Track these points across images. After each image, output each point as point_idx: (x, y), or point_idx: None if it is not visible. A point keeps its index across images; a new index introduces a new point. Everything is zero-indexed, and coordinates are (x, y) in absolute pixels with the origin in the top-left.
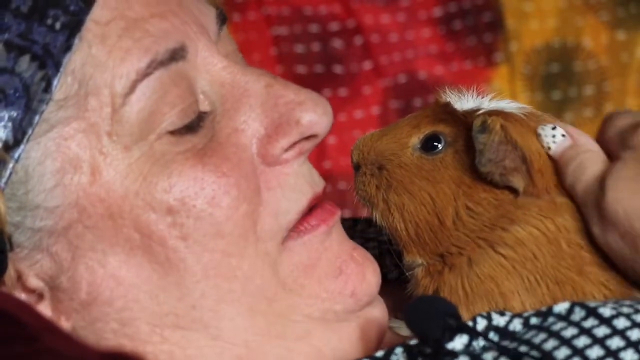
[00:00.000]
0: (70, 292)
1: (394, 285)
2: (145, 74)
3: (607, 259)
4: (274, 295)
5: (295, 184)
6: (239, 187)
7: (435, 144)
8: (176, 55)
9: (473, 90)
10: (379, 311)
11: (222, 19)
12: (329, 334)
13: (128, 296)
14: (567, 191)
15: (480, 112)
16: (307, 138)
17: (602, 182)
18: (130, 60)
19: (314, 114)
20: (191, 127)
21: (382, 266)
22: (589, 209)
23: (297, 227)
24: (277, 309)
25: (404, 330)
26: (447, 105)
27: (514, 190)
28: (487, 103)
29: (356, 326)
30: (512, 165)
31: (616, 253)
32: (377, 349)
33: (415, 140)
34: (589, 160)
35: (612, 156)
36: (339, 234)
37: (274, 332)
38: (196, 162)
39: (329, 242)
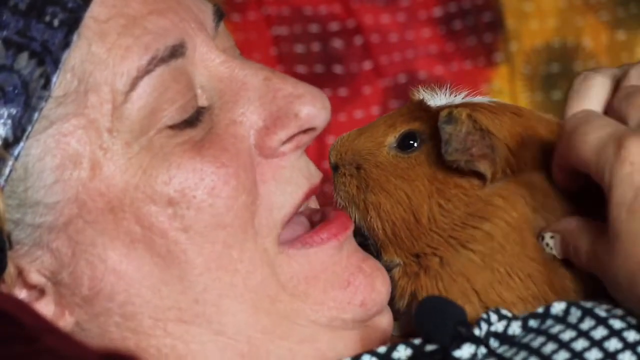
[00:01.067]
0: (72, 287)
1: None
2: (146, 71)
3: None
4: (276, 295)
5: (290, 177)
6: (238, 177)
7: (411, 142)
8: (176, 52)
9: (446, 88)
10: (386, 320)
11: (219, 15)
12: (335, 341)
13: (130, 290)
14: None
15: (449, 105)
16: (305, 131)
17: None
18: (130, 58)
19: (312, 107)
20: (190, 121)
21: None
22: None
23: (306, 239)
24: (282, 310)
25: (395, 330)
26: (421, 102)
27: (483, 178)
28: (460, 99)
29: (363, 334)
30: (479, 153)
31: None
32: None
33: (392, 139)
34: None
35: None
36: (349, 247)
37: (278, 332)
38: (195, 154)
39: (339, 257)
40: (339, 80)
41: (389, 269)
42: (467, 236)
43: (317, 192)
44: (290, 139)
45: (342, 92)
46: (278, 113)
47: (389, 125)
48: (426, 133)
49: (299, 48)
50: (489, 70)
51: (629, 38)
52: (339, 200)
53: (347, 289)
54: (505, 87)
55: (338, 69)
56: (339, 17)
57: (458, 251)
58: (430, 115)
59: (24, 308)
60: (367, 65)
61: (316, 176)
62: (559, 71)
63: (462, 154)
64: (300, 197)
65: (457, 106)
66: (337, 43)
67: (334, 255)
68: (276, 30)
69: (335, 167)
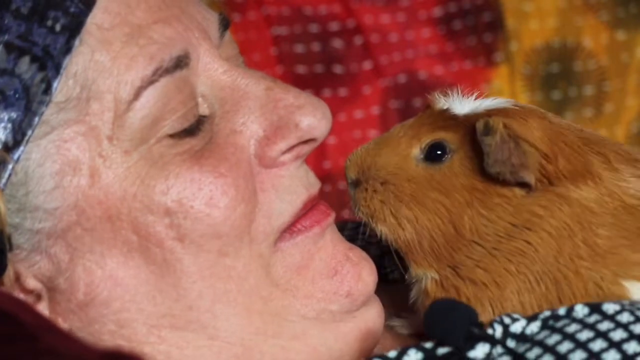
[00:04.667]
0: (68, 293)
1: (395, 285)
2: (150, 82)
3: (606, 251)
4: (269, 295)
5: (289, 186)
6: (237, 187)
7: (439, 152)
8: (180, 62)
9: (460, 92)
10: (375, 311)
11: (225, 25)
12: (325, 334)
13: (125, 297)
14: None
15: (480, 113)
16: (306, 142)
17: None
18: (135, 68)
19: (313, 118)
20: (190, 130)
21: (384, 267)
22: None
23: (291, 228)
24: (273, 309)
25: (404, 329)
26: (445, 111)
27: (526, 186)
28: (483, 104)
29: (353, 326)
30: (518, 162)
31: None
32: (373, 348)
33: (417, 151)
34: None
35: None
36: (333, 234)
37: (270, 331)
38: (193, 164)
39: (323, 243)
40: (339, 80)
41: (412, 282)
42: (512, 248)
43: (316, 201)
44: (290, 149)
45: (342, 92)
46: (279, 123)
47: (411, 137)
48: (455, 142)
49: (299, 48)
50: (489, 70)
51: (629, 38)
52: (360, 215)
53: (334, 277)
54: (505, 87)
55: (338, 69)
56: (339, 17)
57: (500, 261)
58: (458, 123)
59: (24, 307)
60: (367, 65)
61: (315, 185)
62: (559, 71)
63: (503, 165)
64: (299, 206)
65: (489, 114)
66: (337, 43)
67: (317, 242)
68: (276, 30)
69: (357, 183)
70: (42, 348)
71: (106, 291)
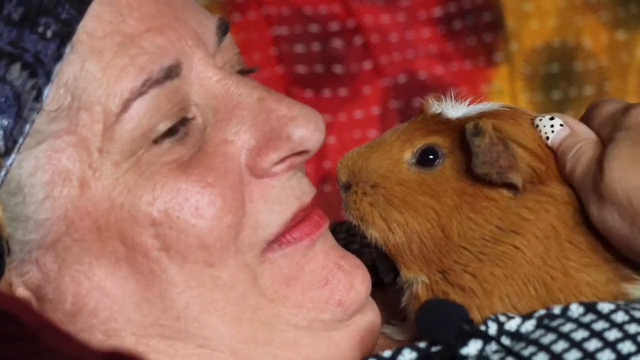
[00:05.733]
0: (56, 303)
1: (389, 290)
2: (139, 93)
3: (593, 250)
4: (257, 304)
5: (279, 197)
6: (224, 197)
7: (431, 157)
8: (171, 73)
9: (453, 96)
10: (369, 318)
11: (224, 29)
12: (318, 343)
13: (113, 307)
14: (566, 179)
15: (472, 116)
16: (298, 153)
17: (599, 163)
18: (125, 79)
19: (305, 130)
20: (176, 134)
21: (378, 271)
22: (587, 192)
23: (280, 239)
24: (263, 318)
25: (397, 335)
26: (438, 115)
27: (513, 188)
28: (478, 108)
29: (345, 335)
30: (507, 164)
31: (614, 232)
32: (370, 353)
33: (409, 155)
34: (587, 146)
35: (604, 141)
36: (325, 243)
37: (260, 339)
38: (180, 173)
39: (312, 255)
40: (339, 80)
41: (406, 283)
42: (498, 252)
43: (308, 210)
44: (282, 160)
45: (342, 92)
46: (271, 134)
47: (404, 141)
48: (447, 146)
49: (299, 48)
50: (489, 70)
51: (629, 38)
52: (350, 218)
53: (324, 287)
54: (505, 87)
55: (338, 69)
56: (339, 17)
57: (487, 266)
58: (450, 127)
59: (24, 307)
60: (367, 65)
61: (309, 194)
62: (559, 71)
63: (491, 166)
64: (288, 216)
65: (480, 117)
66: (337, 43)
67: (307, 253)
68: (276, 30)
69: (347, 186)
70: (42, 348)
71: (94, 301)
